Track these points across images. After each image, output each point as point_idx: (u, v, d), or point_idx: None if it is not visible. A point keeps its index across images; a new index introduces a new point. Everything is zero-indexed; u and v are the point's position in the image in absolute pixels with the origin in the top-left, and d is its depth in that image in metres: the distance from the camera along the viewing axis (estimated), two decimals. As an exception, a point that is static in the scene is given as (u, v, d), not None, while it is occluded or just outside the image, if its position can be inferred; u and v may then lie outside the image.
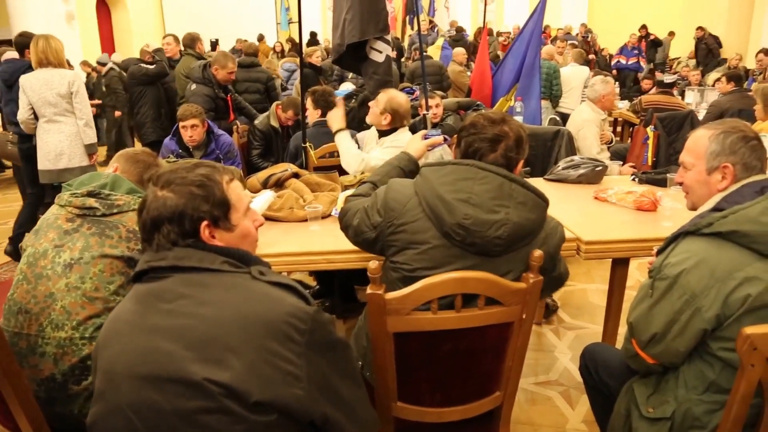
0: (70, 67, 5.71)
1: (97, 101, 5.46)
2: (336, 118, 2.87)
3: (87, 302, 1.55)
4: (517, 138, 1.50)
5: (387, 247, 1.54)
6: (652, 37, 11.59)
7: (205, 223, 1.12)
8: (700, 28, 12.01)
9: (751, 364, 1.23)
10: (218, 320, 1.03)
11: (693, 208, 1.58)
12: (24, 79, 3.83)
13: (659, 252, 1.46)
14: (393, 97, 2.83)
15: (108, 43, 13.71)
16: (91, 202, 1.64)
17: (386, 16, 3.11)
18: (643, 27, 11.75)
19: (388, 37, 3.12)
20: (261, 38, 12.46)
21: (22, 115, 3.86)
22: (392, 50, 3.27)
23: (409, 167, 1.86)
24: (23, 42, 4.19)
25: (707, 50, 11.60)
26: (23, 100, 3.83)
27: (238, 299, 1.06)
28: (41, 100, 3.79)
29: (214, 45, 8.74)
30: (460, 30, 12.03)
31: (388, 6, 14.81)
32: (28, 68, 3.97)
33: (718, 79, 6.26)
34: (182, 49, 5.80)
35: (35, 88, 3.79)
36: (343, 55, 3.16)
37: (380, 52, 3.07)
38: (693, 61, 11.89)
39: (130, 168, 1.90)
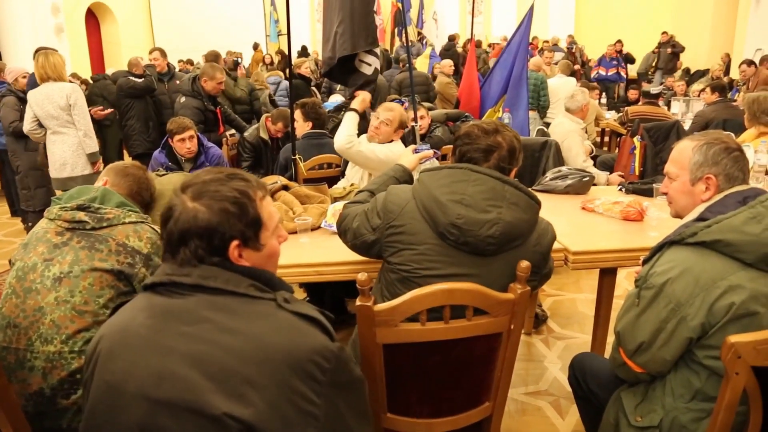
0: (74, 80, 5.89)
1: (108, 110, 5.46)
2: (362, 99, 2.97)
3: (76, 316, 1.55)
4: (510, 148, 1.56)
5: (385, 249, 1.59)
6: (624, 53, 11.85)
7: (235, 242, 1.06)
8: (664, 32, 12.29)
9: (736, 372, 1.25)
10: (242, 352, 0.97)
11: (677, 217, 1.61)
12: (30, 94, 4.06)
13: (645, 261, 1.48)
14: (401, 111, 2.90)
15: (97, 56, 13.69)
16: (81, 215, 1.64)
17: (375, 30, 3.15)
18: (618, 41, 11.99)
19: (377, 50, 3.15)
20: (256, 47, 12.52)
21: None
22: (380, 62, 3.30)
23: (404, 178, 1.91)
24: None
25: (672, 54, 12.00)
26: (28, 113, 4.06)
27: (264, 330, 1.00)
28: (45, 114, 3.98)
29: (237, 64, 8.63)
30: (452, 38, 12.12)
31: (377, 19, 14.99)
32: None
33: (703, 90, 6.35)
34: (170, 63, 5.99)
35: (39, 102, 3.98)
36: (333, 67, 3.18)
37: (369, 64, 3.10)
38: (679, 72, 12.07)
39: (120, 181, 1.90)
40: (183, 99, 4.53)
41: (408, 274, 1.52)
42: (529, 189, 1.55)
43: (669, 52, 12.00)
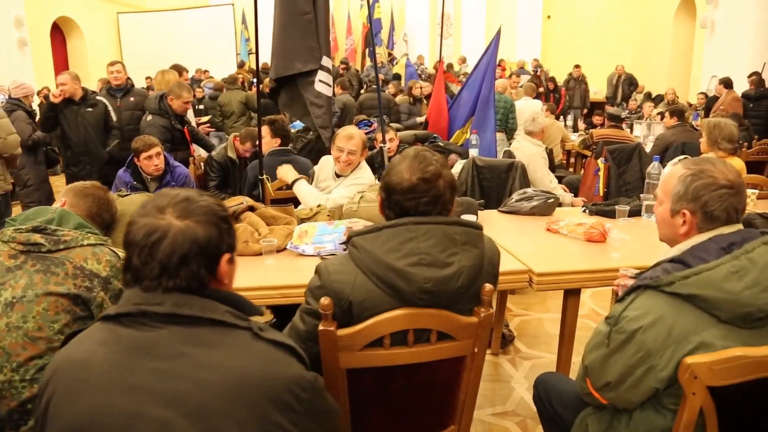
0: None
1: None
2: (288, 171, 2.96)
3: (29, 342, 1.48)
4: (452, 186, 1.46)
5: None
6: (578, 78, 12.38)
7: (227, 257, 1.06)
8: (619, 66, 12.99)
9: (693, 393, 1.27)
10: (220, 387, 0.94)
11: (661, 240, 1.55)
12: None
13: (618, 300, 1.41)
14: (360, 133, 2.92)
15: (62, 70, 13.45)
16: (37, 237, 1.59)
17: (318, 49, 3.12)
18: (577, 66, 12.48)
19: (329, 66, 3.14)
20: (242, 65, 12.49)
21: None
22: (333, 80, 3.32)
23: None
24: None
25: (629, 83, 12.79)
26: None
27: (242, 363, 0.97)
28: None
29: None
30: (397, 77, 12.20)
31: (348, 39, 15.05)
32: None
33: (662, 114, 6.56)
34: (129, 78, 5.55)
35: None
36: (280, 92, 3.17)
37: (329, 85, 3.10)
38: (641, 96, 12.48)
39: (79, 202, 1.85)
40: (149, 117, 4.48)
41: None
42: (464, 219, 1.47)
43: (628, 86, 12.79)
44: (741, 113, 7.16)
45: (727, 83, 8.11)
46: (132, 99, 5.19)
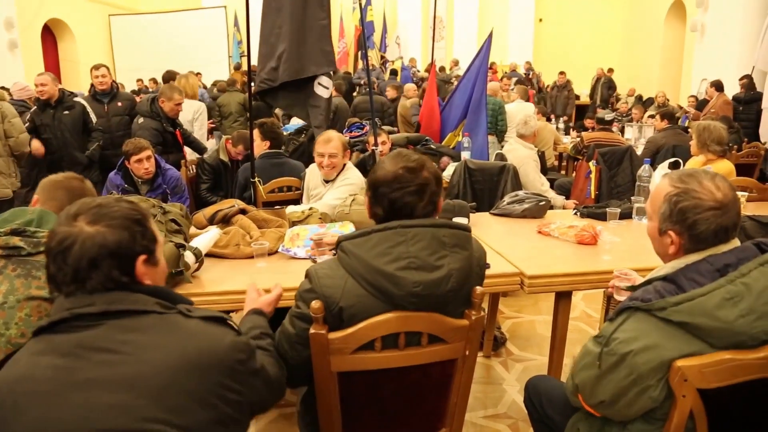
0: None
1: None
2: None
3: (12, 349, 1.45)
4: (437, 178, 1.46)
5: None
6: (562, 85, 12.57)
7: (143, 258, 1.10)
8: (600, 68, 13.17)
9: (683, 395, 1.28)
10: (168, 363, 1.00)
11: (656, 253, 1.51)
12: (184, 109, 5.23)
13: (609, 319, 1.37)
14: (337, 135, 2.94)
15: (53, 73, 13.38)
16: (16, 240, 1.53)
17: (331, 53, 3.16)
18: (562, 73, 12.66)
19: (330, 73, 3.18)
20: (238, 67, 12.46)
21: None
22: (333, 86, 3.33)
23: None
24: (169, 76, 6.55)
25: (608, 86, 13.06)
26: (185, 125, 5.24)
27: (181, 339, 1.04)
28: (194, 123, 5.42)
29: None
30: (393, 73, 12.29)
31: (340, 42, 15.05)
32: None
33: (652, 116, 6.60)
34: (115, 81, 5.28)
35: (192, 114, 5.40)
36: (274, 90, 3.17)
37: (327, 88, 3.12)
38: (632, 98, 12.56)
39: (52, 197, 1.75)
40: (141, 120, 4.46)
41: None
42: (452, 221, 1.47)
43: (607, 89, 13.07)
44: (731, 116, 7.22)
45: (718, 86, 8.18)
46: (120, 104, 5.04)
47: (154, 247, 1.14)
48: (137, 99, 5.88)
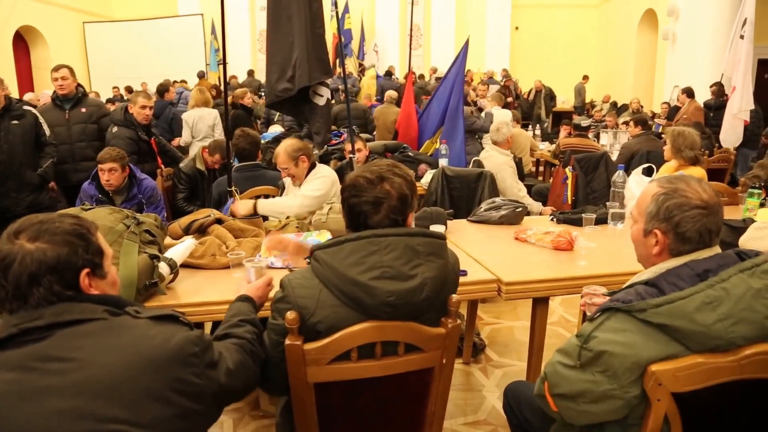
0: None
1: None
2: (244, 204, 2.93)
3: None
4: (401, 196, 1.43)
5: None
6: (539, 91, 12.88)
7: (86, 271, 1.11)
8: (537, 80, 13.41)
9: (657, 399, 1.29)
10: (122, 364, 1.01)
11: (639, 261, 1.51)
12: (186, 115, 6.09)
13: (589, 319, 1.38)
14: (284, 148, 2.99)
15: (26, 81, 13.18)
16: None
17: (329, 61, 3.21)
18: (539, 81, 12.91)
19: (328, 81, 3.22)
20: (202, 75, 12.37)
21: (185, 138, 6.02)
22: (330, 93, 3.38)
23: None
24: (163, 88, 7.35)
25: (550, 97, 13.43)
26: (186, 130, 5.99)
27: (133, 339, 1.06)
28: (197, 129, 5.96)
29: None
30: (389, 73, 12.40)
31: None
32: (169, 105, 7.02)
33: (626, 122, 6.71)
34: (80, 85, 4.64)
35: (194, 120, 5.98)
36: (285, 100, 3.21)
37: (321, 95, 3.16)
38: (607, 105, 12.77)
39: None
40: (115, 129, 4.38)
41: None
42: (428, 229, 1.48)
43: (549, 99, 13.41)
44: (703, 122, 7.38)
45: (689, 93, 8.35)
46: (84, 110, 4.44)
47: (99, 260, 1.15)
48: (110, 107, 5.82)
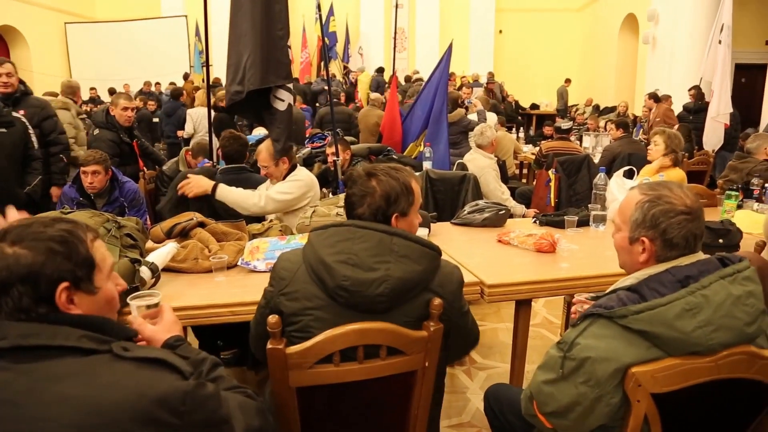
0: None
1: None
2: (201, 179, 2.91)
3: None
4: (385, 195, 1.51)
5: (287, 322, 1.46)
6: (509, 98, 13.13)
7: (64, 285, 0.98)
8: (490, 76, 13.47)
9: (637, 400, 1.31)
10: (76, 421, 0.85)
11: (621, 267, 1.53)
12: (192, 111, 6.95)
13: (572, 325, 1.39)
14: (266, 147, 3.04)
15: (4, 83, 12.95)
16: None
17: (288, 65, 3.14)
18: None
19: (290, 86, 3.15)
20: (186, 77, 12.28)
21: (187, 130, 6.97)
22: (293, 98, 3.30)
23: None
24: (177, 92, 8.61)
25: (502, 97, 13.30)
26: (189, 124, 6.91)
27: (98, 390, 0.89)
28: (200, 125, 6.70)
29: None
30: (380, 71, 12.41)
31: (303, 52, 15.00)
32: (182, 106, 8.05)
33: (611, 122, 6.79)
34: (23, 82, 4.04)
35: (198, 118, 6.77)
36: (240, 102, 3.13)
37: (282, 100, 3.09)
38: (590, 108, 12.89)
39: None
40: (96, 131, 4.34)
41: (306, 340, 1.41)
42: (421, 237, 1.49)
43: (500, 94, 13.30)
44: (676, 123, 7.48)
45: (655, 98, 8.50)
46: (22, 112, 3.81)
47: (84, 272, 1.02)
48: (92, 108, 5.77)
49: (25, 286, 0.95)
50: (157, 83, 12.33)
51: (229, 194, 2.88)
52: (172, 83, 11.84)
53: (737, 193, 3.22)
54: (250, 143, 5.24)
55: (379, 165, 1.59)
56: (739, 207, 3.25)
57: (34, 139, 3.76)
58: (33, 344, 0.91)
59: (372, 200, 1.51)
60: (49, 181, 3.96)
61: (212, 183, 2.88)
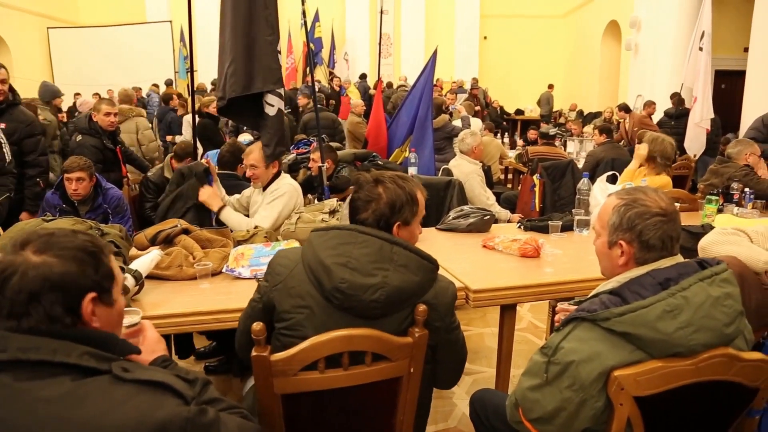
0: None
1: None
2: (211, 196, 2.94)
3: None
4: (391, 202, 1.52)
5: (278, 319, 1.49)
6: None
7: (91, 295, 0.98)
8: (474, 82, 13.48)
9: (620, 403, 1.32)
10: None
11: (603, 274, 1.54)
12: (189, 118, 6.71)
13: (556, 330, 1.41)
14: (257, 147, 3.02)
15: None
16: None
17: (278, 70, 3.14)
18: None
19: (281, 91, 3.15)
20: (170, 83, 12.20)
21: (185, 135, 6.93)
22: (284, 103, 3.29)
23: None
24: (167, 97, 8.52)
25: (486, 102, 13.44)
26: (186, 128, 7.00)
27: (98, 414, 0.87)
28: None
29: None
30: (363, 77, 12.44)
31: (289, 58, 14.96)
32: (171, 111, 8.05)
33: (595, 127, 6.86)
34: (12, 87, 3.65)
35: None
36: (231, 107, 3.13)
37: (272, 105, 3.09)
38: (574, 113, 13.01)
39: None
40: (79, 137, 4.29)
41: (300, 338, 1.41)
42: (421, 249, 1.50)
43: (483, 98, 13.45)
44: (655, 130, 7.59)
45: (626, 108, 8.62)
46: (2, 125, 3.53)
47: (108, 284, 1.02)
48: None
49: (57, 293, 0.94)
50: (139, 88, 12.25)
51: (230, 218, 2.94)
52: (155, 85, 11.80)
53: (718, 198, 3.26)
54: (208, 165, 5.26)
55: (387, 173, 1.61)
56: (720, 211, 3.30)
57: (6, 150, 3.45)
58: (32, 359, 0.89)
59: (377, 206, 1.52)
60: (20, 202, 3.64)
61: (221, 204, 2.96)
